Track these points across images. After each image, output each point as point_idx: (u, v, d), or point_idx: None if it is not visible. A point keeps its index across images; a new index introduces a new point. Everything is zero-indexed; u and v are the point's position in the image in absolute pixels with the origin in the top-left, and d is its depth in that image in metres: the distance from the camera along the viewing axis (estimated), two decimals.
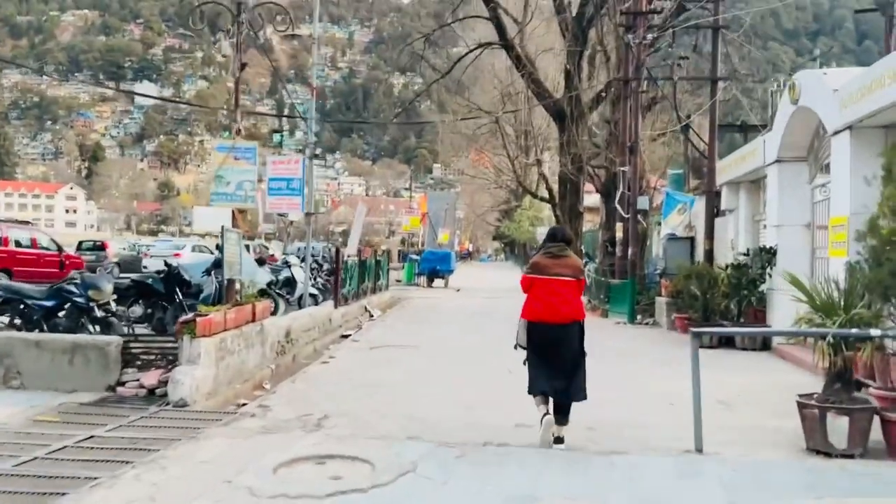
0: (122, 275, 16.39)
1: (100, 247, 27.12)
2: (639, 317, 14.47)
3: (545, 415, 5.40)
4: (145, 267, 22.99)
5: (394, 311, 17.47)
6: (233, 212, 9.36)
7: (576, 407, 6.32)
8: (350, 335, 12.75)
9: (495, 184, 57.95)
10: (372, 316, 16.26)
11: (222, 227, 8.64)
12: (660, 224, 19.72)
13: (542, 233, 42.28)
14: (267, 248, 29.58)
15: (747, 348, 10.68)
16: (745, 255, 11.25)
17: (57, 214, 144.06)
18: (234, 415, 6.41)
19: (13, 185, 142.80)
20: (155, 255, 26.57)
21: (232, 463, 4.86)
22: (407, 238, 42.67)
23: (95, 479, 4.42)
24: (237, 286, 9.50)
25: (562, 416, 5.42)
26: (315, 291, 14.58)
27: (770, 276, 10.81)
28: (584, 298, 17.32)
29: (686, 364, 9.09)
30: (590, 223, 35.66)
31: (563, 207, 27.39)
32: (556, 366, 5.48)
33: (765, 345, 10.69)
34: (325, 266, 18.46)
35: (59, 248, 18.03)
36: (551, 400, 5.51)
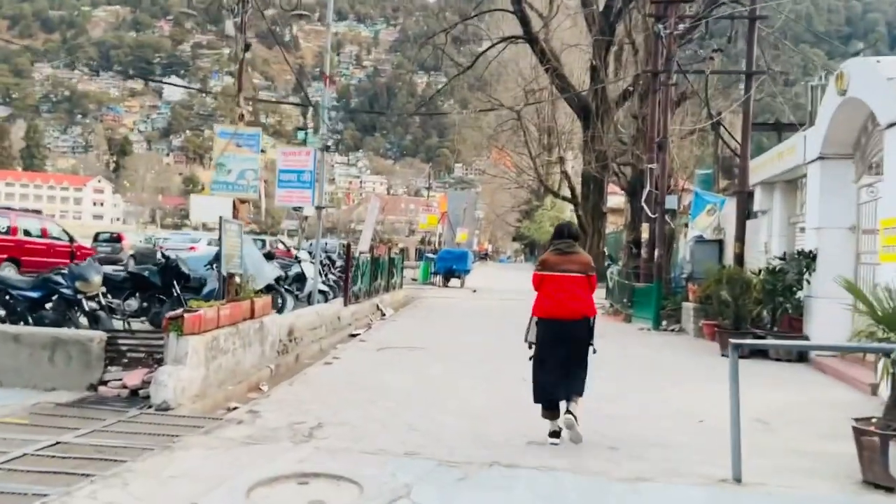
0: (138, 266, 15.98)
1: (116, 239, 26.89)
2: (664, 323, 13.73)
3: (554, 431, 5.44)
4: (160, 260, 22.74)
5: (406, 310, 16.89)
6: (234, 202, 8.84)
7: (597, 424, 5.71)
8: (359, 334, 12.20)
9: (516, 183, 57.30)
10: (384, 315, 15.71)
11: (220, 218, 8.11)
12: (686, 226, 18.94)
13: None
14: (283, 244, 29.21)
15: (782, 359, 9.92)
16: (781, 259, 10.48)
17: (84, 207, 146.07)
18: (220, 421, 5.85)
19: (42, 178, 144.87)
20: (170, 248, 26.25)
21: (204, 479, 4.29)
22: (426, 236, 42.06)
23: (44, 496, 3.88)
24: (238, 280, 9.02)
25: (569, 402, 5.42)
26: (325, 288, 14.04)
27: (808, 282, 10.03)
28: (605, 302, 16.47)
29: (716, 376, 8.39)
30: (612, 225, 34.84)
31: (585, 207, 26.69)
32: (562, 362, 5.46)
33: (801, 356, 9.92)
34: (339, 263, 17.96)
35: (71, 239, 17.69)
36: (562, 411, 5.43)
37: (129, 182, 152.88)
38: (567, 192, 33.00)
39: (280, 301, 12.27)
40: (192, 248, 26.29)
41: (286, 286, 13.34)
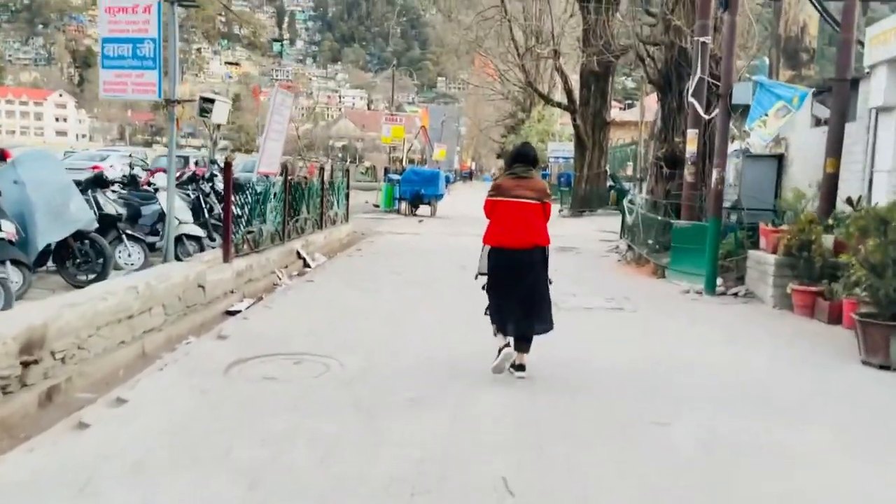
0: None
1: (1, 157, 21.47)
2: (719, 281, 9.05)
3: (504, 346, 5.08)
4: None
5: (345, 257, 12.05)
6: None
7: None
8: (238, 312, 7.44)
9: (501, 94, 51.80)
10: (307, 265, 10.93)
11: None
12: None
13: (553, 149, 36.33)
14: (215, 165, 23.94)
15: None
16: None
17: (46, 123, 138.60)
18: None
19: (0, 91, 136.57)
20: (70, 168, 21.07)
21: None
22: (400, 151, 36.75)
23: None
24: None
25: (524, 343, 5.15)
26: (200, 233, 9.15)
27: None
28: (621, 243, 11.88)
29: None
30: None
31: (584, 115, 21.63)
32: (517, 294, 5.11)
33: None
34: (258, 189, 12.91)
35: None
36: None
37: (95, 96, 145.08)
38: (561, 98, 27.68)
39: (101, 260, 7.43)
40: (96, 168, 21.19)
41: (131, 231, 8.48)
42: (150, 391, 4.72)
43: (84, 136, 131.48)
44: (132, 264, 8.28)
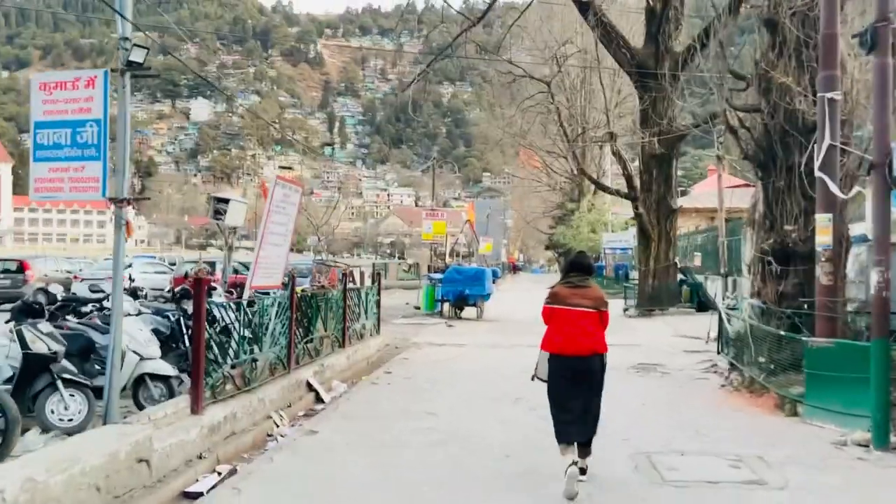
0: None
1: (19, 268, 20.33)
2: (891, 428, 6.29)
3: (570, 465, 4.92)
4: (73, 293, 16.20)
5: (368, 385, 9.64)
6: None
7: None
8: (201, 495, 5.11)
9: (547, 186, 50.69)
10: (320, 400, 8.60)
11: None
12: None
13: (608, 240, 33.93)
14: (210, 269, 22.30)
15: None
16: None
17: (108, 230, 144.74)
18: None
19: (66, 202, 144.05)
20: (87, 278, 19.76)
21: None
22: (433, 247, 34.94)
23: None
24: None
25: (584, 448, 5.17)
26: (169, 371, 6.95)
27: None
28: (720, 359, 9.39)
29: None
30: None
31: (647, 203, 19.32)
32: (575, 400, 5.11)
33: None
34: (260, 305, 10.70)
35: None
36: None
37: (154, 203, 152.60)
38: (613, 182, 25.61)
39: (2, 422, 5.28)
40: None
41: (70, 374, 6.36)
42: None
43: (143, 241, 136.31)
44: (70, 419, 6.12)
